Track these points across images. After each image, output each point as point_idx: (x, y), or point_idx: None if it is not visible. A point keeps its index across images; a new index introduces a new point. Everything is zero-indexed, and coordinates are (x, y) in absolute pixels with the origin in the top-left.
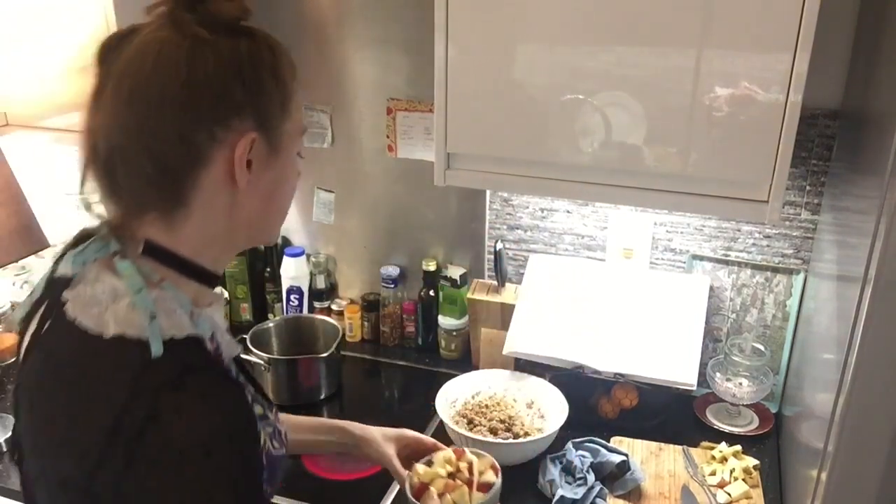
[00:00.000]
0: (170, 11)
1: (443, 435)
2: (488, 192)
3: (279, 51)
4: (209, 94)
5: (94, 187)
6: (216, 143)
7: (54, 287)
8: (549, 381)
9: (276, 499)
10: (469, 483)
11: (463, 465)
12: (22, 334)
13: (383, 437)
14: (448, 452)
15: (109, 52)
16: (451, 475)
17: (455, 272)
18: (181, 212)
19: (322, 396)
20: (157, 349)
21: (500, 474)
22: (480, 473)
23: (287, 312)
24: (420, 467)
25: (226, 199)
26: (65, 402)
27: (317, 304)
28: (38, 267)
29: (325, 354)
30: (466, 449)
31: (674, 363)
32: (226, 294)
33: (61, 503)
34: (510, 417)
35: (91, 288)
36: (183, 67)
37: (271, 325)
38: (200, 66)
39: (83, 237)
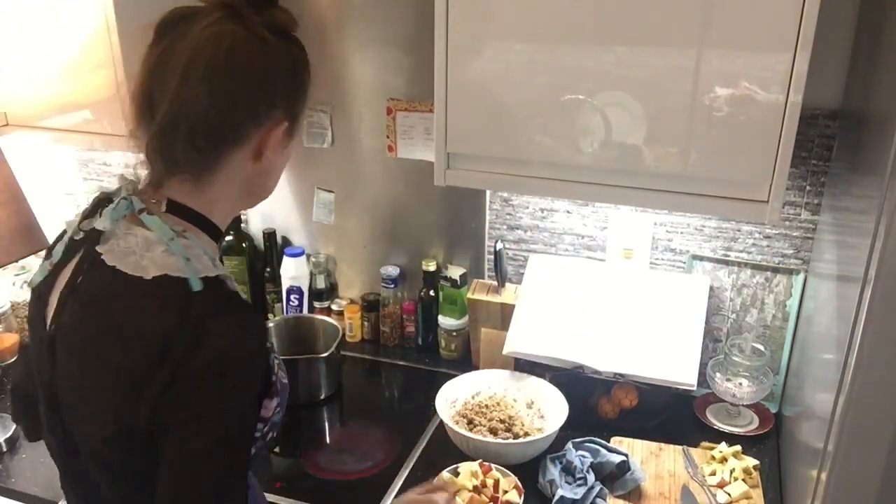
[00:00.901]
0: (238, 8)
1: (443, 435)
2: (488, 192)
3: (308, 57)
4: (270, 88)
5: (139, 146)
6: (258, 126)
7: (80, 245)
8: (549, 381)
9: (276, 499)
10: (494, 500)
11: (489, 481)
12: (45, 294)
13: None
14: (474, 466)
15: (170, 29)
16: (475, 489)
17: (455, 272)
18: (208, 177)
19: (322, 396)
20: (196, 285)
21: (523, 495)
22: (504, 492)
23: (287, 312)
24: (447, 475)
25: (246, 172)
26: (114, 337)
27: (317, 304)
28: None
29: (325, 354)
30: (493, 465)
31: (674, 363)
32: None
33: (104, 454)
34: (510, 417)
35: (124, 241)
36: (256, 62)
37: (271, 325)
38: (271, 63)
39: (102, 201)
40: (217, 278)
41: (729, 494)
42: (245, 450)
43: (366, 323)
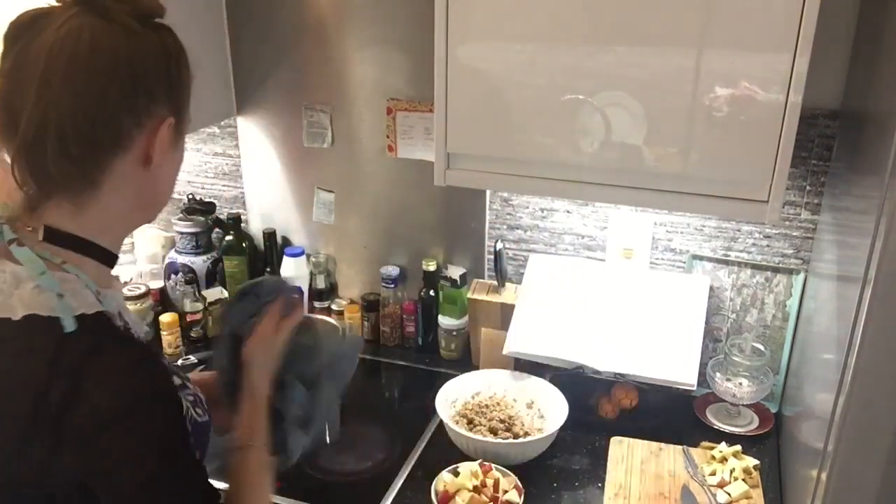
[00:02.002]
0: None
1: (443, 435)
2: (488, 192)
3: (181, 43)
4: (144, 81)
5: (5, 168)
6: (139, 126)
7: None
8: (549, 381)
9: (276, 499)
10: (493, 500)
11: (489, 481)
12: None
13: None
14: (474, 466)
15: (23, 31)
16: (475, 489)
17: (455, 272)
18: (90, 194)
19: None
20: (69, 324)
21: (523, 495)
22: (504, 492)
23: None
24: (447, 476)
25: (136, 182)
26: None
27: (317, 304)
28: None
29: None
30: (493, 465)
31: (674, 363)
32: (225, 293)
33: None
34: (510, 417)
35: None
36: (123, 54)
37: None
38: (140, 55)
39: None
40: (98, 315)
41: (729, 494)
42: (194, 499)
43: (366, 323)
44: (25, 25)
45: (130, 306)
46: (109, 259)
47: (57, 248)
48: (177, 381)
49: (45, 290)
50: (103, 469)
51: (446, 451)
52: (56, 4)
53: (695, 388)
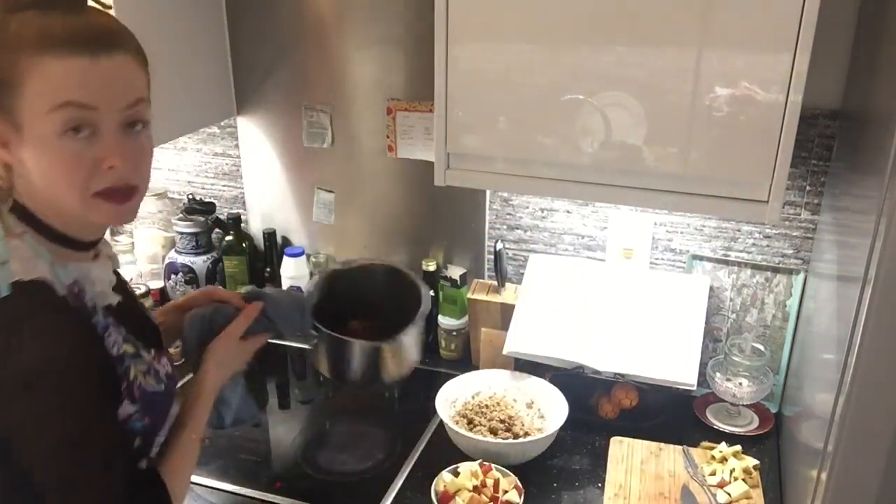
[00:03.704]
0: None
1: (443, 435)
2: (488, 192)
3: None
4: None
5: None
6: None
7: None
8: (549, 381)
9: (276, 499)
10: (494, 500)
11: (489, 481)
12: None
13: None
14: (474, 466)
15: None
16: (475, 489)
17: (455, 272)
18: (14, 171)
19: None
20: (3, 289)
21: (523, 495)
22: (504, 492)
23: None
24: (447, 476)
25: (20, 176)
26: None
27: None
28: None
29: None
30: (493, 465)
31: (674, 363)
32: None
33: None
34: (510, 417)
35: None
36: None
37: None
38: None
39: None
40: (37, 282)
41: (729, 494)
42: (105, 466)
43: None
44: None
45: None
46: (67, 241)
47: (16, 219)
48: (128, 348)
49: None
50: (18, 428)
51: (446, 451)
52: None
53: (695, 388)
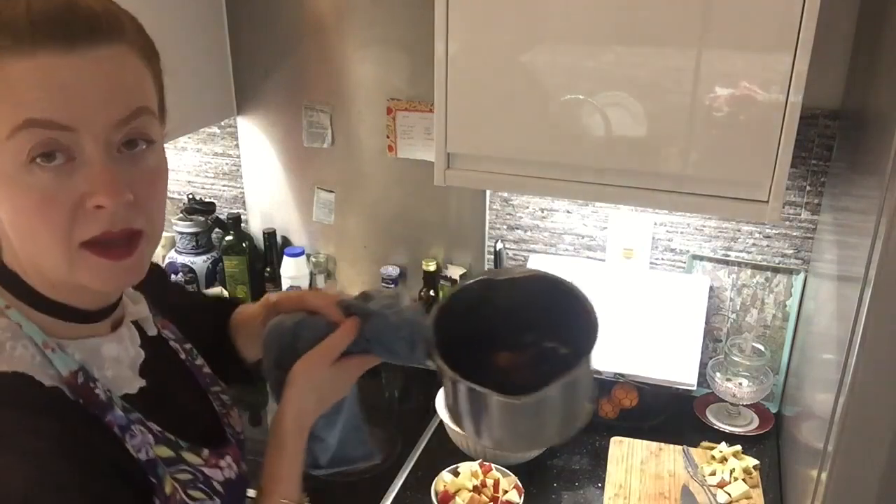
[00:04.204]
0: None
1: (443, 435)
2: (488, 192)
3: None
4: None
5: None
6: None
7: None
8: None
9: None
10: (494, 500)
11: (489, 481)
12: None
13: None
14: (474, 466)
15: None
16: (475, 489)
17: (455, 272)
18: None
19: None
20: None
21: (523, 495)
22: (504, 492)
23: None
24: (447, 476)
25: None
26: None
27: None
28: None
29: None
30: (493, 465)
31: (674, 363)
32: (225, 293)
33: None
34: None
35: None
36: None
37: None
38: None
39: None
40: (8, 375)
41: (729, 494)
42: None
43: None
44: None
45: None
46: (62, 311)
47: (3, 289)
48: (163, 452)
49: None
50: None
51: (446, 451)
52: None
53: (695, 388)
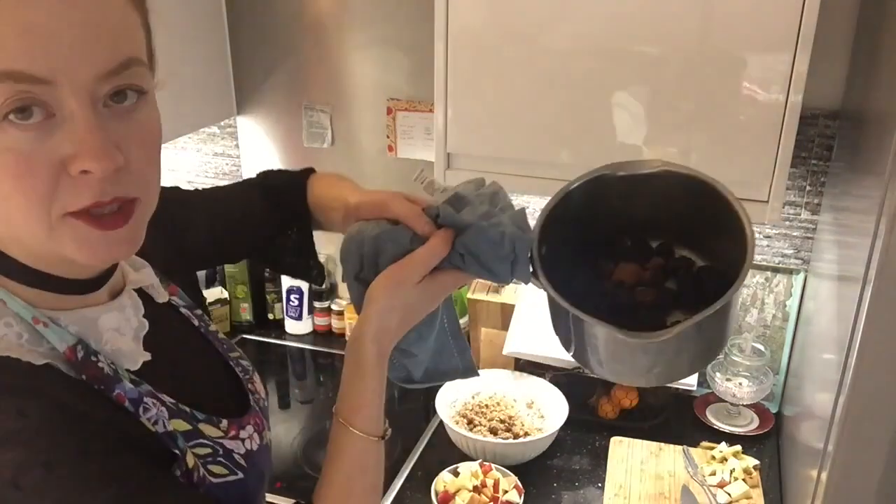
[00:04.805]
0: None
1: (443, 435)
2: None
3: None
4: None
5: None
6: None
7: None
8: (549, 381)
9: (276, 499)
10: (494, 500)
11: (489, 481)
12: None
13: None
14: (474, 466)
15: None
16: (475, 489)
17: None
18: None
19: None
20: None
21: (523, 495)
22: (504, 492)
23: (287, 313)
24: (447, 476)
25: None
26: None
27: (317, 304)
28: None
29: None
30: (493, 465)
31: None
32: (225, 293)
33: None
34: (510, 417)
35: None
36: None
37: None
38: None
39: None
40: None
41: (729, 494)
42: None
43: None
44: None
45: None
46: (58, 284)
47: None
48: (178, 425)
49: None
50: None
51: (446, 451)
52: None
53: (695, 388)
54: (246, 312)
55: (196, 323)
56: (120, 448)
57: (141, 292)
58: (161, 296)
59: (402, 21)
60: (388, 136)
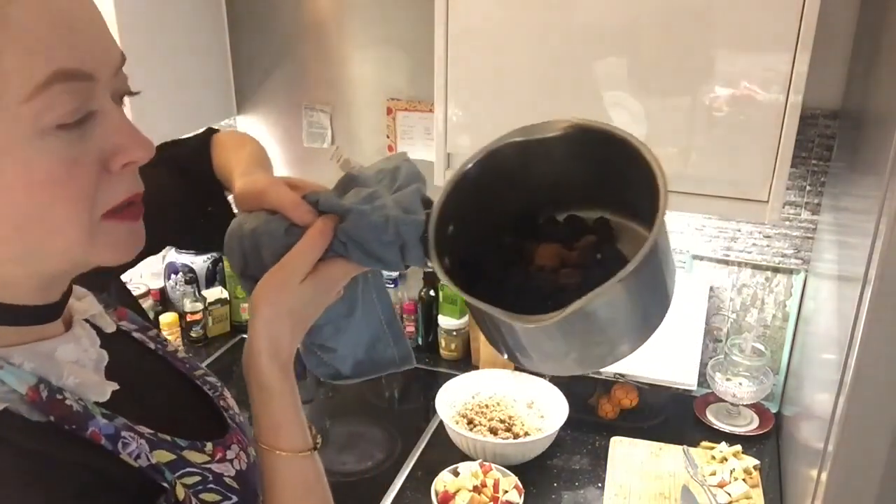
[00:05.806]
0: None
1: (443, 435)
2: None
3: None
4: None
5: None
6: None
7: None
8: (549, 381)
9: None
10: (494, 500)
11: (489, 481)
12: None
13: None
14: (474, 466)
15: None
16: (475, 489)
17: None
18: None
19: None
20: None
21: (523, 495)
22: (505, 492)
23: None
24: (447, 476)
25: None
26: None
27: None
28: None
29: None
30: (493, 465)
31: (674, 363)
32: (225, 293)
33: None
34: (510, 417)
35: None
36: None
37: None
38: None
39: None
40: None
41: (729, 494)
42: None
43: None
44: None
45: None
46: (12, 315)
47: None
48: (163, 456)
49: None
50: None
51: (446, 451)
52: None
53: (695, 388)
54: (246, 312)
55: (153, 346)
56: (94, 491)
57: (89, 323)
58: (108, 325)
59: (402, 21)
60: (387, 136)
